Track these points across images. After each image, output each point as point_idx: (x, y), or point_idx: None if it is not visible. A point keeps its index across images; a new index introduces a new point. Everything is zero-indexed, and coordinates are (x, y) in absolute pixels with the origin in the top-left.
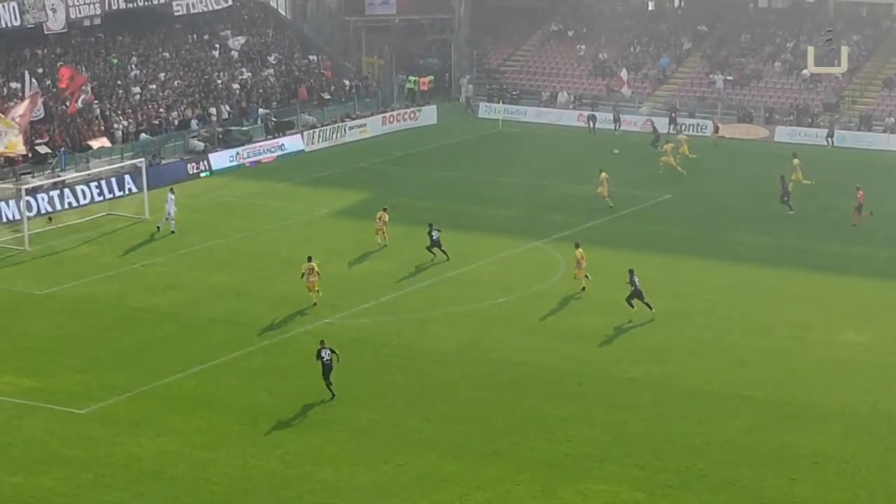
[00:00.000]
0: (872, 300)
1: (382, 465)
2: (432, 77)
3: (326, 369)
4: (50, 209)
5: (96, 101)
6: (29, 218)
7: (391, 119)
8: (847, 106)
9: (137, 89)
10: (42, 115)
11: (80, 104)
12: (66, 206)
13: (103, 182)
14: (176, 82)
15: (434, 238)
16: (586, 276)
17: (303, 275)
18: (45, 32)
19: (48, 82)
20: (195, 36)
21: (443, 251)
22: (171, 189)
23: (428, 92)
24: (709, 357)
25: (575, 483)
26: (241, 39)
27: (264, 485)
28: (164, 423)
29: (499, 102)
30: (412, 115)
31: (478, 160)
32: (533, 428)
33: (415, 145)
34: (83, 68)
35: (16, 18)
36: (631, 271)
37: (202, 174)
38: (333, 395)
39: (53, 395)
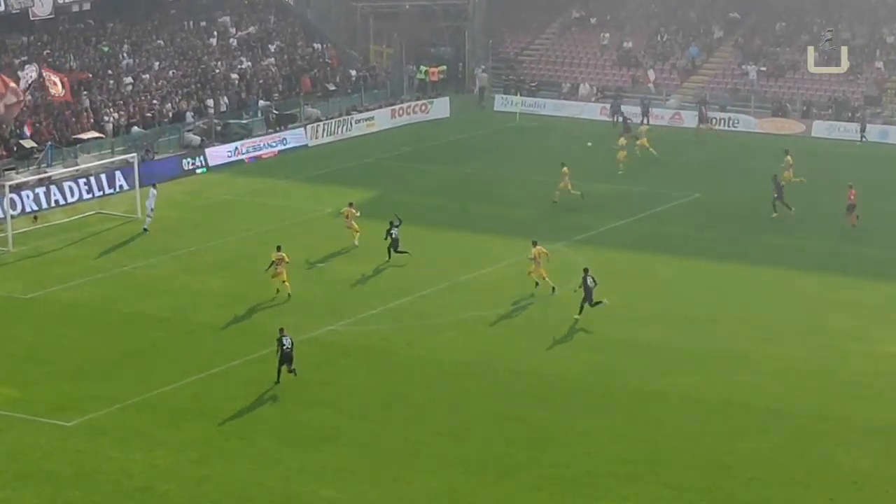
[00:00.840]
0: None
1: (391, 483)
2: (444, 67)
3: (286, 357)
4: (35, 207)
5: (86, 92)
6: (13, 217)
7: (400, 112)
8: (889, 99)
9: (129, 79)
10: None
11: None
12: (53, 203)
13: (92, 178)
14: (171, 72)
15: (394, 236)
16: (544, 279)
17: (272, 264)
18: (31, 18)
19: (34, 74)
20: (191, 22)
21: (398, 252)
22: (154, 185)
23: (440, 83)
24: (740, 368)
25: (597, 502)
26: (251, 30)
27: (264, 502)
28: (157, 437)
29: (516, 94)
30: (423, 108)
31: (493, 156)
32: (552, 443)
33: (426, 140)
34: (71, 56)
35: None
36: (585, 270)
37: (198, 170)
38: (294, 371)
39: (38, 407)
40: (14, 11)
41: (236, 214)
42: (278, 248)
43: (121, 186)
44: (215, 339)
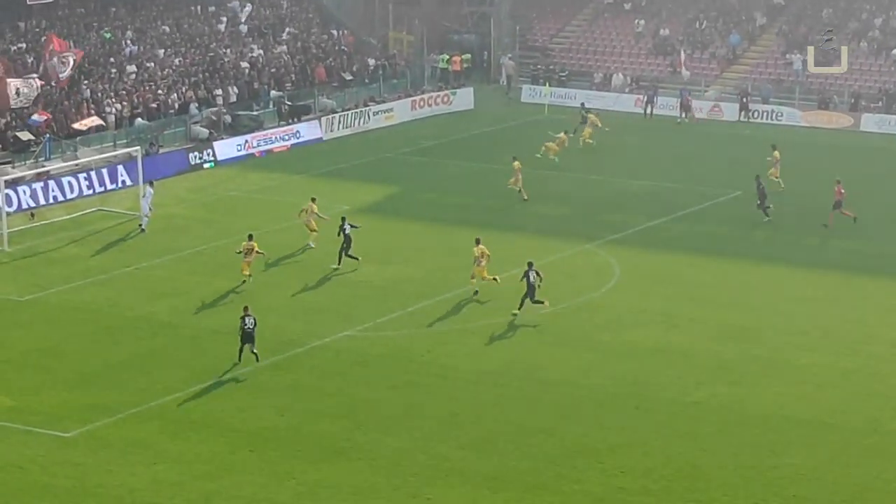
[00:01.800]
0: None
1: (410, 500)
2: (468, 56)
3: (247, 337)
4: (32, 204)
5: (86, 81)
6: (8, 214)
7: (421, 103)
8: None
9: (133, 68)
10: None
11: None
12: (51, 200)
13: (93, 173)
14: (177, 60)
15: (346, 232)
16: (494, 279)
17: (239, 252)
18: (29, 3)
19: (31, 60)
20: (199, 7)
21: (347, 255)
22: (150, 183)
23: (463, 72)
24: (783, 378)
25: None
26: (248, 7)
27: None
28: (161, 449)
29: (545, 85)
30: (445, 99)
31: (520, 151)
32: (581, 457)
33: (448, 133)
34: (71, 43)
35: None
36: (529, 264)
37: (206, 165)
38: (257, 356)
39: (35, 417)
40: None
41: (246, 212)
42: (250, 237)
43: (123, 182)
44: (223, 344)
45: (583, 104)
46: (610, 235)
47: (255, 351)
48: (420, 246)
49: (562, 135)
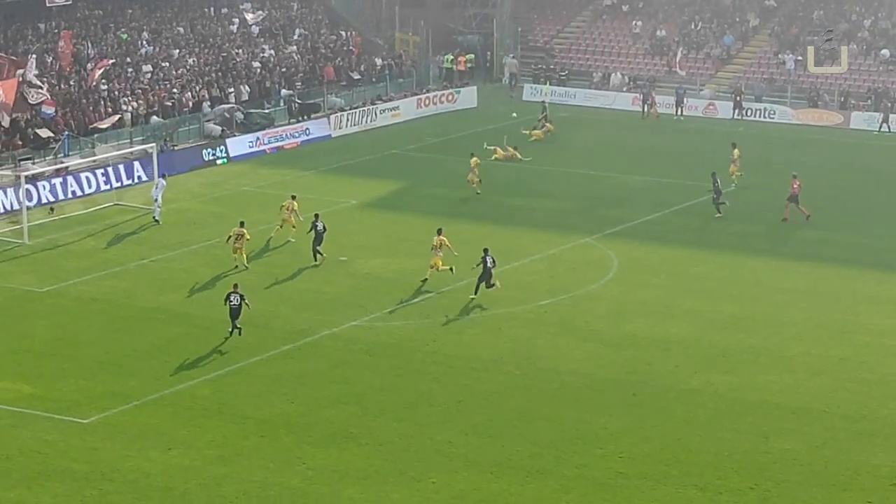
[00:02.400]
0: None
1: (415, 483)
2: (472, 56)
3: (234, 313)
4: (52, 198)
5: (104, 81)
6: (29, 208)
7: (426, 102)
8: None
9: (148, 68)
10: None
11: (98, 74)
12: (70, 195)
13: (110, 169)
14: (191, 60)
15: (318, 229)
16: (451, 270)
17: (229, 238)
18: (48, 5)
19: (50, 59)
20: (212, 9)
21: (315, 250)
22: (163, 175)
23: (467, 72)
24: (775, 366)
25: None
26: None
27: (285, 503)
28: (176, 435)
29: (546, 84)
30: (450, 98)
31: (522, 147)
32: (581, 443)
33: (453, 130)
34: (89, 44)
35: None
36: (486, 250)
37: (219, 161)
38: (240, 330)
39: (54, 403)
40: None
41: (257, 207)
42: (241, 224)
43: (139, 177)
44: (236, 334)
45: (544, 102)
46: (609, 229)
47: (238, 325)
48: (425, 240)
49: (540, 128)
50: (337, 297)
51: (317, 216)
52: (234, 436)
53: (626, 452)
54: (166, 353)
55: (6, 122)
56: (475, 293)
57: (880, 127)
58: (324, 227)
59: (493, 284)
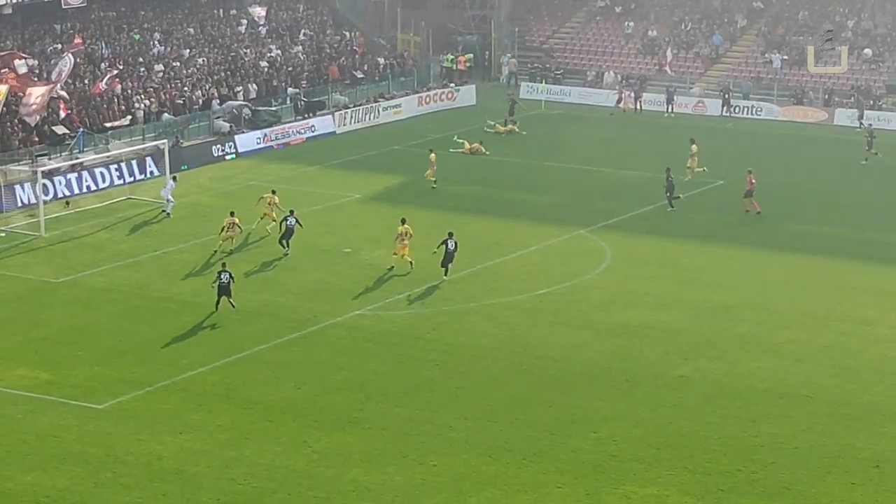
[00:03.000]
0: None
1: (416, 466)
2: (471, 56)
3: (223, 290)
4: (67, 193)
5: (118, 80)
6: (45, 202)
7: (427, 100)
8: None
9: (160, 67)
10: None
11: (104, 85)
12: (85, 189)
13: (123, 164)
14: (201, 60)
15: (289, 225)
16: (410, 263)
17: (223, 229)
18: (63, 7)
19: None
20: (221, 11)
21: (280, 242)
22: (174, 177)
23: (466, 71)
24: (762, 353)
25: (620, 486)
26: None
27: (291, 485)
28: (187, 420)
29: (541, 82)
30: (449, 96)
31: (518, 143)
32: (576, 427)
33: (452, 127)
34: (103, 44)
35: None
36: (450, 234)
37: (228, 157)
38: (233, 304)
39: (70, 389)
40: (47, 0)
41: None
42: (231, 214)
43: (151, 172)
44: (243, 323)
45: (512, 99)
46: (602, 222)
47: (231, 301)
48: (425, 231)
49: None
50: (341, 287)
51: (291, 212)
52: (242, 420)
53: (618, 436)
54: (177, 341)
55: (33, 122)
56: (446, 275)
57: (859, 124)
58: (296, 222)
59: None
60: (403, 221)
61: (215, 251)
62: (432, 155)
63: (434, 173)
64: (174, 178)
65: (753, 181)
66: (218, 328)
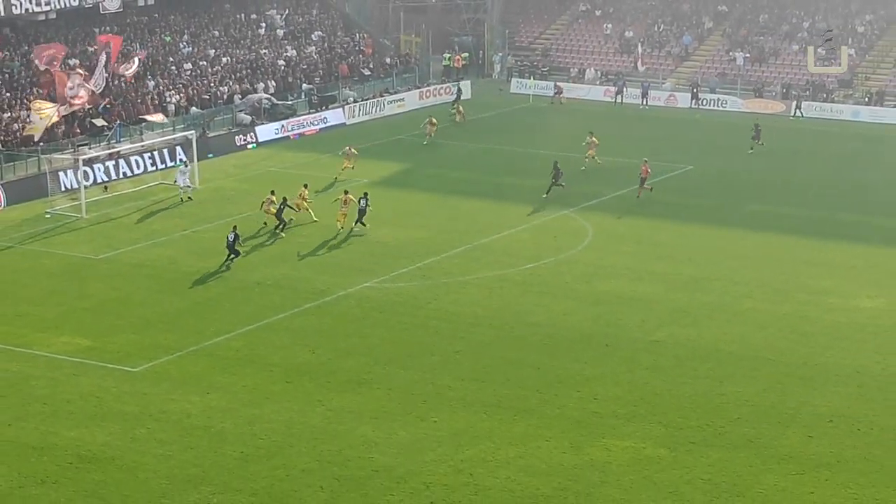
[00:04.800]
0: (887, 267)
1: (419, 422)
2: (467, 54)
3: (230, 246)
4: (105, 178)
5: (150, 77)
6: (86, 187)
7: (427, 94)
8: (860, 82)
9: (189, 66)
10: (102, 86)
11: (130, 71)
12: (121, 175)
13: (156, 153)
14: (225, 59)
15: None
16: (343, 219)
17: (263, 203)
18: (102, 12)
19: (104, 57)
20: (243, 15)
21: (284, 224)
22: (186, 163)
23: (462, 69)
24: (729, 321)
25: (601, 439)
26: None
27: (307, 439)
28: (213, 381)
29: (530, 78)
30: (448, 91)
31: (510, 133)
32: (561, 387)
33: (450, 119)
34: (137, 45)
35: None
36: (365, 194)
37: (249, 146)
38: (238, 253)
39: (108, 354)
40: (87, 6)
41: (283, 184)
42: (272, 192)
43: (181, 160)
44: (265, 294)
45: (458, 88)
46: (584, 203)
47: (233, 256)
48: (426, 212)
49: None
50: (352, 262)
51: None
52: (263, 382)
53: (599, 395)
54: (205, 311)
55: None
56: (365, 225)
57: (797, 114)
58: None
59: (364, 224)
60: (346, 192)
61: (268, 224)
62: (352, 149)
63: (349, 166)
64: (186, 164)
65: (648, 170)
66: (241, 299)
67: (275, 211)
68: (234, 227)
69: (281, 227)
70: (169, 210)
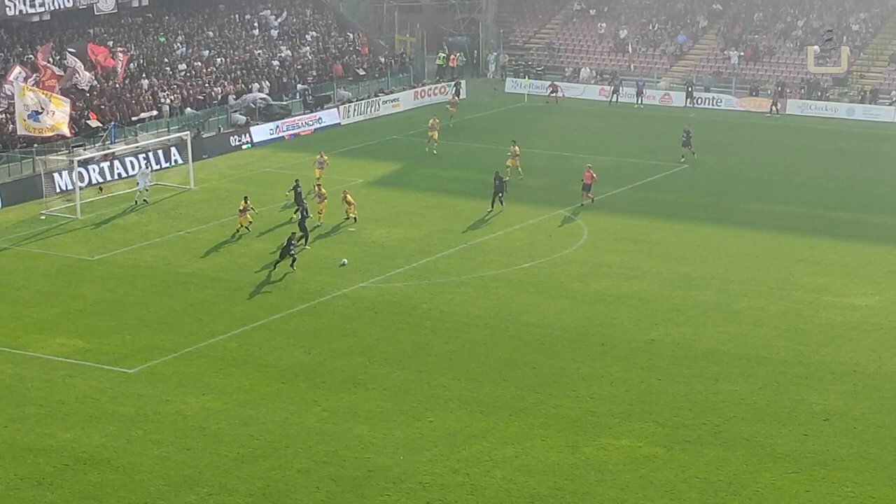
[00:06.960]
0: (881, 265)
1: (415, 422)
2: (462, 54)
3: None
4: (100, 179)
5: (144, 77)
6: (81, 188)
7: (422, 94)
8: (855, 80)
9: (183, 66)
10: (92, 84)
11: (121, 69)
12: (116, 176)
13: (151, 154)
14: (219, 59)
15: (298, 191)
16: (321, 213)
17: (241, 211)
18: (96, 13)
19: (96, 57)
20: (237, 16)
21: (303, 223)
22: (148, 165)
23: (457, 68)
24: (724, 319)
25: (597, 438)
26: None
27: (303, 440)
28: (209, 382)
29: (524, 78)
30: (442, 90)
31: (505, 132)
32: (557, 386)
33: (445, 118)
34: (132, 46)
35: (68, 0)
36: (296, 181)
37: (244, 146)
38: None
39: (104, 356)
40: (81, 7)
41: (277, 185)
42: (246, 199)
43: (175, 161)
44: (259, 295)
45: (456, 85)
46: (580, 202)
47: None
48: (421, 212)
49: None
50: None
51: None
52: (258, 382)
53: (595, 394)
54: (200, 312)
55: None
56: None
57: (773, 110)
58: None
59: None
60: (318, 186)
61: (238, 230)
62: (323, 156)
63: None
64: (147, 166)
65: (594, 175)
66: (236, 300)
67: (251, 216)
68: (294, 234)
69: (304, 238)
70: (163, 211)
